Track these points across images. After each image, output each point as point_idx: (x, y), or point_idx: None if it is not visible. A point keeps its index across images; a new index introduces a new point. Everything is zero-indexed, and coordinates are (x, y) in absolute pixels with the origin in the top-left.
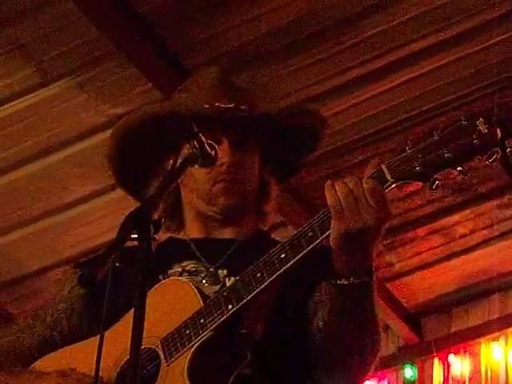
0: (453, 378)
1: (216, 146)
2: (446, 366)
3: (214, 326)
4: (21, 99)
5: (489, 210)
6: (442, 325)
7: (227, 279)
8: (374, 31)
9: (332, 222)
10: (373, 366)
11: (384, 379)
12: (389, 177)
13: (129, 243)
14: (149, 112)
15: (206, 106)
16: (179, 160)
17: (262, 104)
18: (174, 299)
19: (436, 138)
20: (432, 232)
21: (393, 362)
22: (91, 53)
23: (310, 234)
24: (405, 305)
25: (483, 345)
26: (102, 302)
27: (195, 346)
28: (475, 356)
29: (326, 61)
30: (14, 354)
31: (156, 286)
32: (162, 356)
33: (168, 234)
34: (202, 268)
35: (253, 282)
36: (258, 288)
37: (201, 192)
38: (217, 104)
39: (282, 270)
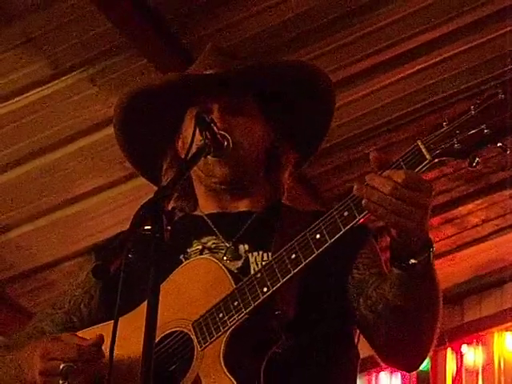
0: (466, 369)
1: (228, 136)
2: (459, 357)
3: (249, 309)
4: (32, 92)
5: (501, 199)
6: (455, 315)
7: (250, 254)
8: (385, 22)
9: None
10: (436, 331)
11: (397, 371)
12: (427, 155)
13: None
14: (137, 90)
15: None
16: (192, 151)
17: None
18: (203, 280)
19: (473, 113)
20: (445, 222)
21: None
22: (102, 45)
23: (346, 213)
24: None
25: (496, 335)
26: (117, 292)
27: (230, 330)
28: (488, 346)
29: (335, 52)
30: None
31: (183, 265)
32: (196, 340)
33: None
34: (221, 244)
35: (288, 264)
36: (293, 270)
37: (200, 164)
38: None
39: (318, 251)
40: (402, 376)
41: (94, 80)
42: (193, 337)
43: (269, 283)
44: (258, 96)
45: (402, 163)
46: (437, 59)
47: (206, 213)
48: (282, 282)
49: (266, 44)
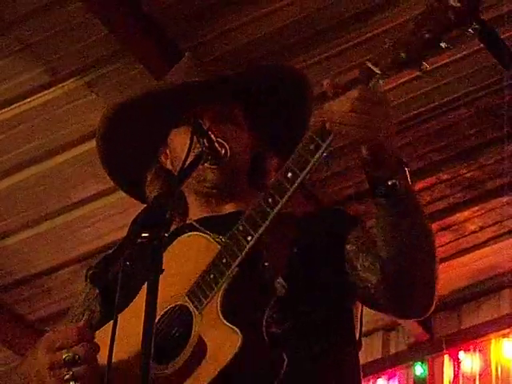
0: (463, 375)
1: (225, 144)
2: (457, 363)
3: (237, 261)
4: (29, 99)
5: (498, 206)
6: (452, 322)
7: None
8: (382, 29)
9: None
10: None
11: (394, 377)
12: (376, 69)
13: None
14: (123, 101)
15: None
16: (189, 158)
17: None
18: (191, 254)
19: (411, 25)
20: (442, 228)
21: (403, 359)
22: (99, 52)
23: (312, 146)
24: None
25: (493, 341)
26: (114, 301)
27: (223, 286)
28: (485, 353)
29: (333, 58)
30: None
31: (168, 249)
32: (192, 307)
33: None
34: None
35: (266, 208)
36: (273, 211)
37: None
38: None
39: (293, 187)
40: (399, 383)
41: (92, 87)
42: (189, 305)
43: (251, 231)
44: (241, 103)
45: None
46: (434, 66)
47: (195, 219)
48: (264, 225)
49: (263, 50)
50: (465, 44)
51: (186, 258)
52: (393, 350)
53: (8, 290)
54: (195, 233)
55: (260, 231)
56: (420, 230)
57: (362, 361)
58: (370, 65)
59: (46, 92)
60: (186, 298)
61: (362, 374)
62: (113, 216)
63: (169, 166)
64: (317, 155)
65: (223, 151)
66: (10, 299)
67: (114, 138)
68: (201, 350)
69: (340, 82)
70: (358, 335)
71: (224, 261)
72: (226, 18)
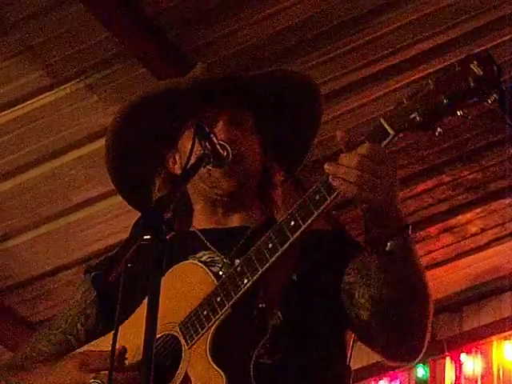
0: (465, 378)
1: (228, 147)
2: (458, 366)
3: (231, 302)
4: (30, 101)
5: (500, 208)
6: (454, 323)
7: None
8: (384, 30)
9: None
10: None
11: (396, 379)
12: (390, 130)
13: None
14: (137, 99)
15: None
16: (191, 161)
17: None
18: (186, 282)
19: (431, 86)
20: (443, 231)
21: None
22: (101, 54)
23: (317, 197)
24: None
25: (495, 343)
26: (116, 303)
27: (215, 325)
28: (487, 355)
29: (334, 60)
30: (33, 363)
31: (168, 272)
32: (183, 340)
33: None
34: (218, 258)
35: (266, 253)
36: (271, 258)
37: (203, 176)
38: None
39: (294, 237)
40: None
41: (93, 89)
42: (180, 338)
43: (248, 274)
44: (252, 113)
45: (366, 141)
46: (436, 67)
47: (200, 228)
48: (261, 271)
49: (265, 52)
50: (466, 46)
51: (184, 285)
52: None
53: (10, 292)
54: (196, 262)
55: (256, 276)
56: (411, 286)
57: (363, 363)
58: (384, 124)
59: (47, 94)
60: (178, 330)
61: (363, 376)
62: (115, 218)
63: (177, 172)
64: (321, 208)
65: (225, 153)
66: (12, 301)
67: (123, 140)
68: None
69: (353, 139)
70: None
71: (218, 299)
72: (228, 20)
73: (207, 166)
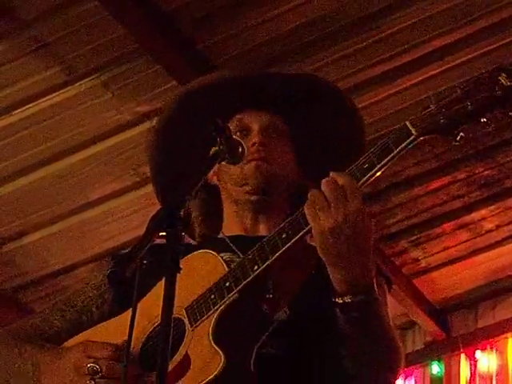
0: (480, 374)
1: (242, 143)
2: (473, 362)
3: (239, 287)
4: (45, 98)
5: None
6: (469, 320)
7: None
8: (397, 28)
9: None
10: (396, 374)
11: (411, 376)
12: (413, 131)
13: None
14: (188, 88)
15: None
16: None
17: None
18: (200, 270)
19: (459, 92)
20: (458, 227)
21: (419, 358)
22: (116, 51)
23: (302, 221)
24: (431, 301)
25: (510, 340)
26: (131, 299)
27: (220, 308)
28: (502, 352)
29: (348, 58)
30: (43, 336)
31: (182, 260)
32: (187, 322)
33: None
34: (237, 259)
35: (279, 242)
36: (283, 247)
37: (234, 176)
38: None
39: (307, 228)
40: (415, 382)
41: (108, 86)
42: (185, 320)
43: (259, 261)
44: (288, 127)
45: (389, 141)
46: (449, 65)
47: (228, 235)
48: (272, 258)
49: (280, 49)
50: (480, 42)
51: (196, 272)
52: (409, 349)
53: (25, 289)
54: (208, 251)
55: (266, 264)
56: (371, 342)
57: None
58: (409, 125)
59: (62, 91)
60: (184, 313)
61: None
62: (130, 215)
63: (214, 181)
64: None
65: (240, 149)
66: (27, 298)
67: (164, 143)
68: (184, 367)
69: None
70: None
71: (227, 284)
72: (243, 17)
73: (222, 162)
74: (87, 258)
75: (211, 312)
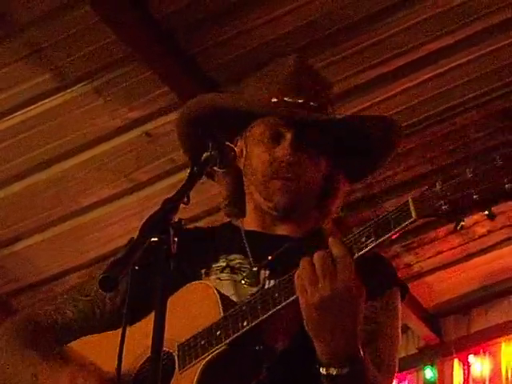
0: (473, 379)
1: (235, 148)
2: (466, 367)
3: (227, 340)
4: (38, 104)
5: (507, 209)
6: (462, 325)
7: (267, 281)
8: (393, 31)
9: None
10: None
11: (404, 380)
12: (413, 214)
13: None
14: (209, 102)
15: (274, 99)
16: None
17: (336, 103)
18: (197, 304)
19: (469, 175)
20: (451, 232)
21: (413, 363)
22: (108, 57)
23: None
24: (424, 305)
25: (503, 345)
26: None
27: (207, 358)
28: (495, 356)
29: (344, 61)
30: (53, 323)
31: (184, 287)
32: (177, 363)
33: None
34: (247, 266)
35: (270, 301)
36: (273, 309)
37: (259, 185)
38: (284, 99)
39: (294, 297)
40: None
41: (100, 92)
42: (176, 358)
43: (249, 318)
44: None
45: (389, 218)
46: (445, 68)
47: (246, 229)
48: (260, 318)
49: (275, 53)
50: (473, 47)
51: (193, 305)
52: (403, 354)
53: (18, 295)
54: (211, 286)
55: (255, 322)
56: None
57: None
58: (411, 205)
59: (54, 97)
60: (176, 350)
61: None
62: (124, 220)
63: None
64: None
65: (232, 154)
66: (20, 304)
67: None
68: None
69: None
70: None
71: (218, 333)
72: (236, 21)
73: (214, 168)
74: (81, 263)
75: (198, 359)
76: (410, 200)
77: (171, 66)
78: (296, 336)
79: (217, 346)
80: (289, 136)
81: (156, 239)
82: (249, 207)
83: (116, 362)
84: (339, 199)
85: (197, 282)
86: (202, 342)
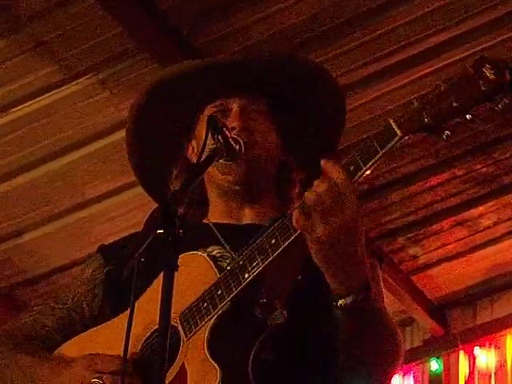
0: (478, 371)
1: (240, 141)
2: (472, 359)
3: (231, 296)
4: (43, 96)
5: None
6: (467, 317)
7: None
8: (396, 24)
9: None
10: (397, 366)
11: (410, 373)
12: (398, 131)
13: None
14: (159, 78)
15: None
16: (204, 154)
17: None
18: (190, 273)
19: (442, 88)
20: (456, 224)
21: (418, 355)
22: (113, 49)
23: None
24: (430, 297)
25: (509, 337)
26: (125, 293)
27: (214, 318)
28: (501, 348)
29: (347, 54)
30: (34, 335)
31: None
32: (182, 331)
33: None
34: (227, 254)
35: (268, 248)
36: (273, 254)
37: (217, 164)
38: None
39: (296, 233)
40: (414, 379)
41: (105, 84)
42: (179, 328)
43: (250, 269)
44: (269, 105)
45: (374, 142)
46: (449, 61)
47: (214, 222)
48: (262, 266)
49: (277, 47)
50: (477, 39)
51: (188, 276)
52: (408, 346)
53: (23, 287)
54: (202, 254)
55: (257, 271)
56: (375, 338)
57: None
58: (393, 124)
59: (59, 89)
60: (178, 321)
61: None
62: (128, 212)
63: (194, 160)
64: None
65: (237, 147)
66: (25, 296)
67: (142, 128)
68: (181, 379)
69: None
70: None
71: (219, 292)
72: (241, 14)
73: (220, 160)
74: (84, 256)
75: (204, 322)
76: (392, 120)
77: (177, 58)
78: (297, 309)
79: (221, 304)
80: (235, 106)
81: (161, 231)
82: (212, 197)
83: (118, 349)
84: (296, 187)
85: (185, 253)
86: (205, 305)
